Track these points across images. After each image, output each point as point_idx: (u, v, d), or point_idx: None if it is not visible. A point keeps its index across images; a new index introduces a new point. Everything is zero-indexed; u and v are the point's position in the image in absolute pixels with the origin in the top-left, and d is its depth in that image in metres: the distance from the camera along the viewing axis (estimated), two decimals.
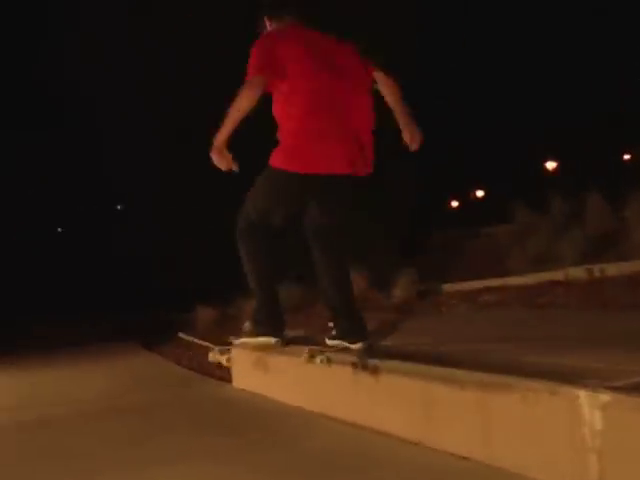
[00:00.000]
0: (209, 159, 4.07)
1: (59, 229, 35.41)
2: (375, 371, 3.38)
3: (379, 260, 7.63)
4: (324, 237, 4.08)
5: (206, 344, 4.35)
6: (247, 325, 4.33)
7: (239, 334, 4.38)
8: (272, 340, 4.25)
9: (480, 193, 47.32)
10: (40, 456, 3.61)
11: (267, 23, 4.31)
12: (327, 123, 3.96)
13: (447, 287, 7.57)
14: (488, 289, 6.91)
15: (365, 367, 3.55)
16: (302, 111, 3.96)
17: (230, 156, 4.04)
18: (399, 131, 4.18)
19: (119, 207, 33.80)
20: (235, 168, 4.05)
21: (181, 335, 4.51)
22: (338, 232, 4.11)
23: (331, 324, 4.09)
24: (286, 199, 4.09)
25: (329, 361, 3.79)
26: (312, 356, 3.84)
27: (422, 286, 7.26)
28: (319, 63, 4.02)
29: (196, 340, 4.49)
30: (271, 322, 4.26)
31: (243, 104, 3.91)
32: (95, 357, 8.50)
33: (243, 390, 4.86)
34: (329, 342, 4.05)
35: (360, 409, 3.48)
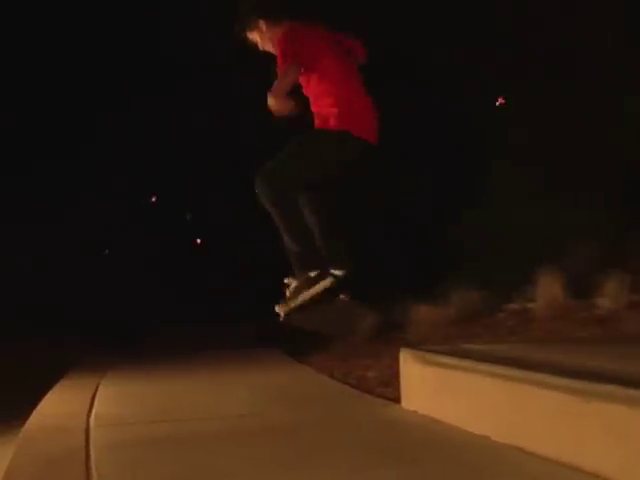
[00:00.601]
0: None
1: (187, 217, 36.43)
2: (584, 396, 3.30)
3: (580, 261, 7.42)
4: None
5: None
6: (292, 284, 5.45)
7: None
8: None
9: None
10: (188, 477, 3.76)
11: (262, 25, 5.60)
12: (362, 96, 5.55)
13: None
14: None
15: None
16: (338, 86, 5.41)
17: (291, 102, 5.15)
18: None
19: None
20: (295, 109, 5.14)
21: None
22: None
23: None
24: (337, 161, 5.43)
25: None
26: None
27: (635, 295, 6.99)
28: (339, 50, 5.53)
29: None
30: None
31: (287, 84, 5.19)
32: (235, 365, 8.71)
33: (414, 412, 4.86)
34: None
35: (563, 443, 3.41)
